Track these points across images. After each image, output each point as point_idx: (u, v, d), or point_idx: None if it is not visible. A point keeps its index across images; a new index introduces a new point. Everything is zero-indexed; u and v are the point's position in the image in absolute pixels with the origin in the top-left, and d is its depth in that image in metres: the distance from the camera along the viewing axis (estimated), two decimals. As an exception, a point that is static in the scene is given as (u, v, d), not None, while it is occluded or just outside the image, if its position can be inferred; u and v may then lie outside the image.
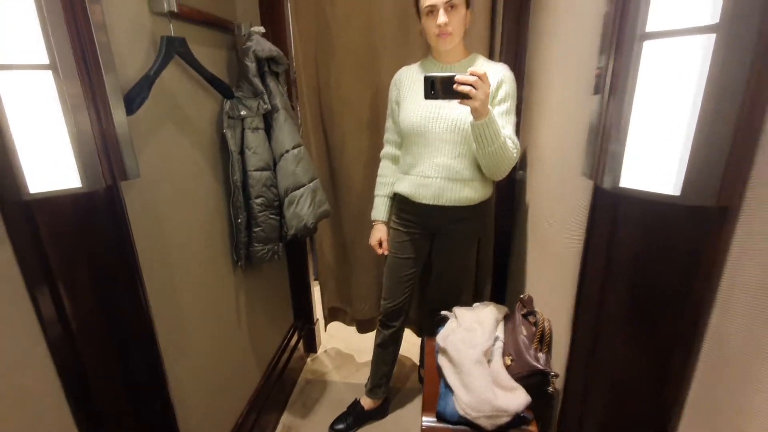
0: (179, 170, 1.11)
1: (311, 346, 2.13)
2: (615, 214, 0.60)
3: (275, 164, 1.42)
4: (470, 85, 1.05)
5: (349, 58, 1.65)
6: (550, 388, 1.08)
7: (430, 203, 1.37)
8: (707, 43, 0.44)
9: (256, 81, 1.30)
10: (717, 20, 0.43)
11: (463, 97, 1.07)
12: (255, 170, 1.33)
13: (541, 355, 1.14)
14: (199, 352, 1.21)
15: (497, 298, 1.76)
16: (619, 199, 0.59)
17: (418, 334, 1.97)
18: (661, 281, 0.58)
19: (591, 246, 0.64)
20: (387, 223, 1.54)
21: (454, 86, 1.06)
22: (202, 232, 1.22)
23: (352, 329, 2.10)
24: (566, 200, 1.00)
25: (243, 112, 1.30)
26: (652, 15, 0.47)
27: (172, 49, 1.02)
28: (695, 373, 0.56)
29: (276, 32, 1.61)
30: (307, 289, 2.03)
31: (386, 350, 1.64)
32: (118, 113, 0.77)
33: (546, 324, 1.18)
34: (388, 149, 1.51)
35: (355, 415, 1.69)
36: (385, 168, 1.52)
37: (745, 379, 0.48)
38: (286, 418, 1.73)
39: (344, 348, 2.16)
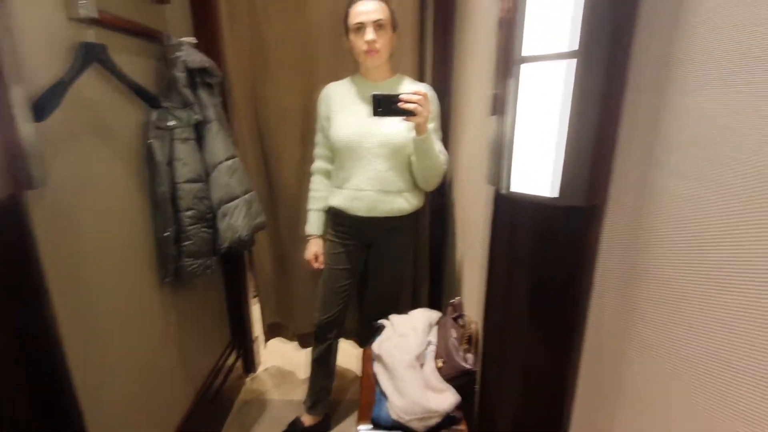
0: (99, 181, 1.06)
1: (250, 365, 2.06)
2: (513, 216, 0.67)
3: (208, 176, 1.39)
4: (415, 102, 1.14)
5: (284, 71, 1.68)
6: (477, 387, 1.14)
7: (365, 215, 1.41)
8: (570, 66, 0.52)
9: (186, 91, 1.28)
10: (576, 47, 0.51)
11: (408, 114, 1.16)
12: (185, 182, 1.30)
13: (469, 356, 1.21)
14: (121, 376, 1.14)
15: (434, 303, 1.83)
16: (516, 202, 0.66)
17: (361, 345, 1.98)
18: (553, 273, 0.66)
19: (495, 245, 0.71)
20: (322, 237, 1.56)
21: (400, 104, 1.15)
22: (125, 247, 1.16)
23: (294, 345, 2.07)
24: (480, 207, 1.09)
25: (172, 123, 1.27)
26: (527, 42, 0.55)
27: (91, 57, 0.98)
28: (582, 355, 0.63)
29: (209, 44, 1.60)
30: (245, 306, 1.97)
31: (323, 364, 1.63)
32: (23, 120, 0.73)
33: (473, 326, 1.25)
34: (319, 164, 1.53)
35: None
36: (316, 182, 1.54)
37: (618, 356, 0.55)
38: (221, 442, 1.65)
39: (285, 365, 2.12)
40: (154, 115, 1.23)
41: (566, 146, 0.54)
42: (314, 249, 1.55)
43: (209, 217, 1.39)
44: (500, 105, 0.62)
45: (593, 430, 0.61)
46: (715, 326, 0.39)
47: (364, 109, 1.36)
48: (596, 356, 0.60)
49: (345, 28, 1.36)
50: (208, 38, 1.59)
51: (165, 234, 1.28)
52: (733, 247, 0.37)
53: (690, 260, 0.42)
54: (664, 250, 0.46)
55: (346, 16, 1.33)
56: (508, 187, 0.61)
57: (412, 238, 1.56)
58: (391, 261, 1.53)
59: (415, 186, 1.44)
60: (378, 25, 1.28)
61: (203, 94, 1.36)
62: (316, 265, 1.56)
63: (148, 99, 1.22)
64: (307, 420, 1.67)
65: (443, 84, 1.58)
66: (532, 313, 0.70)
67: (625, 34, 0.50)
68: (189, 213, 1.31)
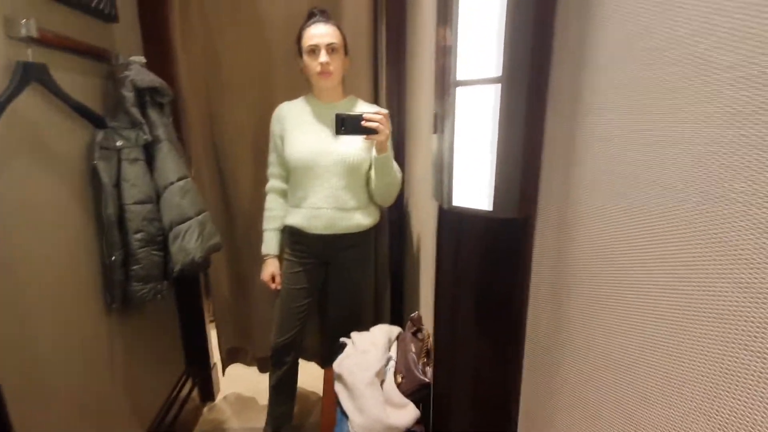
0: (39, 203, 1.01)
1: (208, 393, 1.97)
2: (456, 230, 0.71)
3: (159, 197, 1.35)
4: (377, 122, 1.20)
5: (239, 89, 1.68)
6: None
7: (324, 233, 1.42)
8: (497, 90, 0.57)
9: (134, 111, 1.26)
10: (500, 73, 0.56)
11: (371, 132, 1.21)
12: (133, 203, 1.26)
13: (428, 369, 1.22)
14: (62, 412, 1.06)
15: (396, 318, 1.84)
16: (458, 216, 0.70)
17: (323, 366, 1.95)
18: (494, 285, 0.69)
19: (441, 258, 0.74)
20: (278, 257, 1.55)
21: (362, 123, 1.21)
22: (67, 272, 1.11)
23: (254, 369, 2.00)
24: (430, 219, 1.13)
25: (119, 143, 1.23)
26: (461, 68, 0.59)
27: (30, 76, 0.95)
28: (524, 364, 0.66)
29: (161, 63, 1.58)
30: (201, 331, 1.90)
31: (282, 389, 1.59)
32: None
33: (431, 339, 1.27)
34: (274, 183, 1.53)
35: None
36: (271, 201, 1.53)
37: (553, 362, 0.58)
38: (174, 478, 1.56)
39: (245, 391, 2.04)
40: (100, 135, 1.19)
41: (496, 162, 0.58)
42: (271, 269, 1.53)
43: (160, 240, 1.34)
44: (440, 124, 0.66)
45: (538, 423, 0.64)
46: (626, 326, 0.43)
47: (319, 129, 1.39)
48: (534, 364, 0.63)
49: (298, 49, 1.39)
50: (159, 57, 1.57)
51: (112, 258, 1.22)
52: (636, 254, 0.41)
53: (601, 268, 0.46)
54: (582, 260, 0.50)
55: (300, 37, 1.37)
56: (450, 201, 0.64)
57: (371, 253, 1.57)
58: (350, 277, 1.53)
59: (370, 202, 1.48)
60: (331, 49, 1.32)
61: (153, 113, 1.34)
62: (273, 286, 1.54)
63: (93, 119, 1.19)
64: None
65: (397, 105, 1.63)
66: (478, 324, 0.73)
67: (543, 62, 0.55)
68: (138, 235, 1.27)
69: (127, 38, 1.46)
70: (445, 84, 0.63)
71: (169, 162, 1.35)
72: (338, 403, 1.26)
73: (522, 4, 0.53)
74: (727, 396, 0.31)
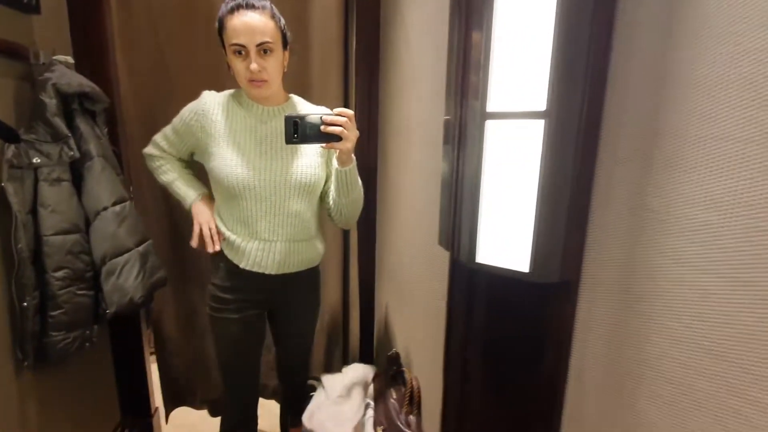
0: None
1: (147, 444, 1.70)
2: (471, 285, 0.59)
3: (88, 225, 1.12)
4: (340, 125, 0.94)
5: (190, 97, 1.46)
6: (423, 456, 1.03)
7: (274, 273, 1.12)
8: (539, 127, 0.46)
9: (57, 121, 1.03)
10: (546, 107, 0.45)
11: (332, 139, 0.95)
12: (54, 234, 1.02)
13: (411, 419, 1.09)
14: None
15: (365, 355, 1.69)
16: (474, 271, 0.58)
17: (284, 410, 1.73)
18: (515, 352, 0.58)
19: (452, 316, 0.61)
20: (204, 195, 1.19)
21: (322, 127, 0.94)
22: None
23: (203, 413, 1.76)
24: (425, 262, 1.00)
25: (36, 160, 1.00)
26: (493, 96, 0.47)
27: None
28: (557, 446, 0.55)
29: (95, 64, 1.34)
30: (140, 373, 1.63)
31: None
32: None
33: (414, 383, 1.14)
34: (157, 153, 1.19)
35: None
36: (158, 160, 1.19)
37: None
38: None
39: (193, 438, 1.79)
40: (10, 151, 0.96)
41: (538, 215, 0.47)
42: (205, 216, 1.13)
43: (89, 276, 1.11)
44: (454, 163, 0.54)
45: None
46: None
47: (258, 139, 1.09)
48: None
49: (220, 40, 1.05)
50: (92, 57, 1.33)
51: (23, 304, 0.98)
52: (744, 341, 0.31)
53: (700, 359, 0.36)
54: (666, 342, 0.40)
55: (221, 27, 1.02)
56: (472, 257, 0.52)
57: (320, 287, 1.31)
58: (304, 322, 1.29)
59: (320, 229, 1.23)
60: (264, 50, 1.00)
61: (83, 124, 1.11)
62: (212, 245, 1.11)
63: (1, 131, 0.95)
64: None
65: (370, 116, 1.50)
66: (495, 388, 0.61)
67: (597, 92, 0.45)
68: (59, 273, 1.03)
69: (50, 33, 1.21)
70: (467, 114, 0.51)
71: (102, 183, 1.12)
72: (309, 464, 1.09)
73: (576, 20, 0.42)
74: None
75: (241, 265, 1.11)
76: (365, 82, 1.50)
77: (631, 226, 0.43)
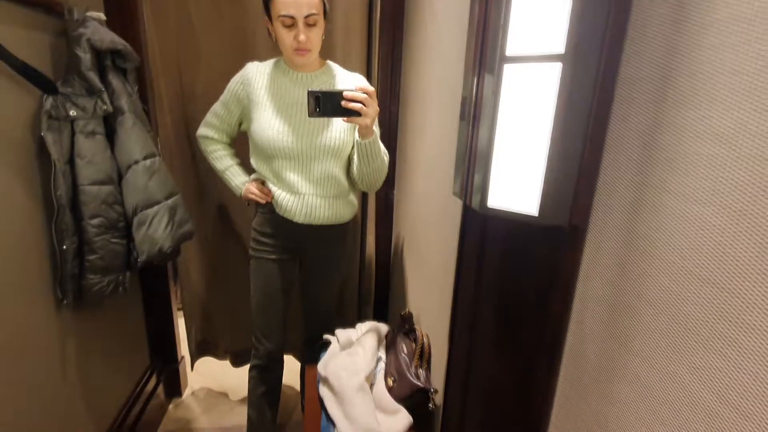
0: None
1: (174, 389, 1.83)
2: (483, 233, 0.61)
3: (120, 177, 1.18)
4: (360, 102, 1.00)
5: (217, 62, 1.50)
6: (431, 405, 1.08)
7: (302, 222, 1.24)
8: (555, 70, 0.46)
9: (92, 75, 1.07)
10: (563, 50, 0.45)
11: (352, 114, 1.01)
12: (90, 184, 1.09)
13: (421, 372, 1.14)
14: (5, 417, 0.91)
15: (379, 316, 1.75)
16: (486, 218, 0.60)
17: (300, 360, 1.84)
18: (523, 296, 0.60)
19: (463, 263, 0.64)
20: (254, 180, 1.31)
21: (342, 103, 1.00)
22: (9, 263, 0.94)
23: (225, 364, 1.87)
24: (440, 218, 1.03)
25: (73, 113, 1.05)
26: (511, 41, 0.48)
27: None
28: (558, 384, 0.58)
29: (126, 24, 1.38)
30: (168, 323, 1.74)
31: (272, 396, 1.45)
32: None
33: (425, 340, 1.19)
34: (209, 132, 1.29)
35: None
36: (212, 144, 1.30)
37: (600, 390, 0.50)
38: (137, 484, 1.43)
39: (216, 386, 1.91)
40: (48, 102, 1.01)
41: (549, 159, 0.49)
42: (252, 188, 1.26)
43: (122, 226, 1.18)
44: (472, 109, 0.56)
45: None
46: (723, 367, 0.35)
47: (293, 104, 1.18)
48: (575, 384, 0.55)
49: (266, 10, 1.12)
50: (123, 16, 1.37)
51: (63, 247, 1.06)
52: (757, 283, 0.33)
53: (697, 289, 0.38)
54: (659, 279, 0.41)
55: None
56: (484, 202, 0.54)
57: (349, 247, 1.42)
58: (330, 274, 1.39)
59: (351, 189, 1.31)
60: (310, 22, 1.08)
61: (115, 80, 1.16)
62: (265, 193, 1.25)
63: (40, 83, 1.00)
64: None
65: (392, 80, 1.50)
66: (501, 335, 0.64)
67: (616, 38, 0.45)
68: (95, 221, 1.10)
69: (83, -10, 1.25)
70: (485, 60, 0.52)
71: (133, 137, 1.18)
72: (323, 408, 1.16)
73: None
74: None
75: (277, 211, 1.24)
76: (388, 47, 1.49)
77: (641, 166, 0.43)
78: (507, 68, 0.49)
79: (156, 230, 1.19)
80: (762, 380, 0.32)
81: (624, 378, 0.46)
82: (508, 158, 0.52)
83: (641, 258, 0.44)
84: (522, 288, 0.60)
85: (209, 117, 1.30)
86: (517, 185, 0.52)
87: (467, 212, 0.61)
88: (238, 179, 1.30)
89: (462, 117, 0.60)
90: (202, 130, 1.31)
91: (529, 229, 0.56)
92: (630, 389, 0.45)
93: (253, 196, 1.26)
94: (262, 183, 1.26)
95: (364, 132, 1.09)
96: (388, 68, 1.51)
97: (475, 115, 0.55)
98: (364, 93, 1.00)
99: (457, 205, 0.75)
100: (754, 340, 0.33)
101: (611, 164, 0.48)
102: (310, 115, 1.00)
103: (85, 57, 1.07)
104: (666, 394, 0.41)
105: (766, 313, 0.32)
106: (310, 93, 0.99)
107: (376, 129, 1.23)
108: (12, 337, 0.95)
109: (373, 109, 1.03)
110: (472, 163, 0.56)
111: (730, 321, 0.35)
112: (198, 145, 1.34)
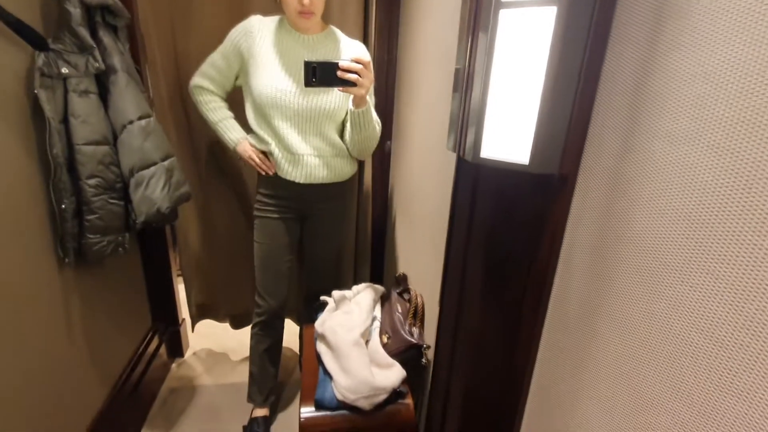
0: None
1: (176, 349, 1.88)
2: (475, 184, 0.62)
3: (116, 138, 1.18)
4: (355, 72, 1.01)
5: (212, 22, 1.46)
6: (424, 360, 1.13)
7: (301, 182, 1.27)
8: (550, 15, 0.46)
9: (83, 31, 1.05)
10: (558, -6, 0.45)
11: (347, 84, 1.03)
12: (85, 144, 1.09)
13: (415, 330, 1.18)
14: (8, 380, 0.95)
15: (376, 278, 1.79)
16: (478, 170, 0.61)
17: (298, 323, 1.89)
18: (512, 244, 0.62)
19: (455, 215, 0.66)
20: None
21: (338, 73, 1.01)
22: (10, 223, 0.95)
23: (225, 326, 1.92)
24: (433, 175, 1.04)
25: (65, 70, 1.04)
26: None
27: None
28: (543, 332, 0.61)
29: (114, -22, 1.33)
30: (169, 286, 1.78)
31: (274, 353, 1.50)
32: None
33: (419, 299, 1.23)
34: (203, 82, 1.27)
35: (265, 429, 1.50)
36: (207, 95, 1.28)
37: (585, 332, 0.53)
38: (144, 437, 1.50)
39: (216, 347, 1.97)
40: (41, 59, 1.00)
41: (541, 107, 0.49)
42: (249, 151, 1.26)
43: (119, 187, 1.19)
44: (466, 61, 0.56)
45: (553, 397, 0.60)
46: (699, 299, 0.38)
47: (292, 64, 1.19)
48: (560, 327, 0.58)
49: None
50: (111, -29, 1.32)
51: (62, 206, 1.06)
52: (735, 216, 0.34)
53: (678, 227, 0.40)
54: (643, 223, 0.43)
55: None
56: (477, 152, 0.55)
57: (351, 206, 1.47)
58: (329, 232, 1.43)
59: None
60: None
61: (105, 37, 1.13)
62: (264, 166, 1.26)
63: (32, 39, 0.98)
64: (262, 412, 1.53)
65: (388, 48, 1.48)
66: (490, 284, 0.67)
67: (611, -19, 0.45)
68: (92, 181, 1.11)
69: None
70: (481, 7, 0.52)
71: (127, 97, 1.17)
72: (320, 363, 1.21)
73: None
74: None
75: (278, 173, 1.26)
76: (385, 12, 1.46)
77: (631, 112, 0.44)
78: (502, 14, 0.49)
79: (153, 191, 1.20)
80: (736, 308, 0.34)
81: (606, 315, 0.49)
82: (501, 108, 0.52)
83: (627, 202, 0.45)
84: (511, 236, 0.62)
85: (206, 67, 1.27)
86: (509, 135, 0.52)
87: (461, 164, 0.63)
88: (233, 134, 1.29)
89: (455, 89, 0.60)
90: (198, 80, 1.28)
91: (519, 179, 0.57)
92: (611, 326, 0.48)
93: (253, 163, 1.27)
94: (264, 153, 1.27)
95: (359, 101, 1.12)
96: (386, 34, 1.48)
97: (470, 66, 0.55)
98: (359, 64, 1.02)
99: (451, 161, 0.76)
100: (729, 270, 0.35)
101: (602, 111, 0.49)
102: (307, 85, 1.02)
103: (75, 12, 1.04)
104: (646, 330, 0.44)
105: (741, 243, 0.34)
106: (306, 63, 1.00)
107: (370, 99, 1.26)
108: (16, 296, 0.97)
109: (368, 80, 1.05)
110: (466, 114, 0.57)
111: (708, 254, 0.37)
112: (191, 95, 1.31)
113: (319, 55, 1.21)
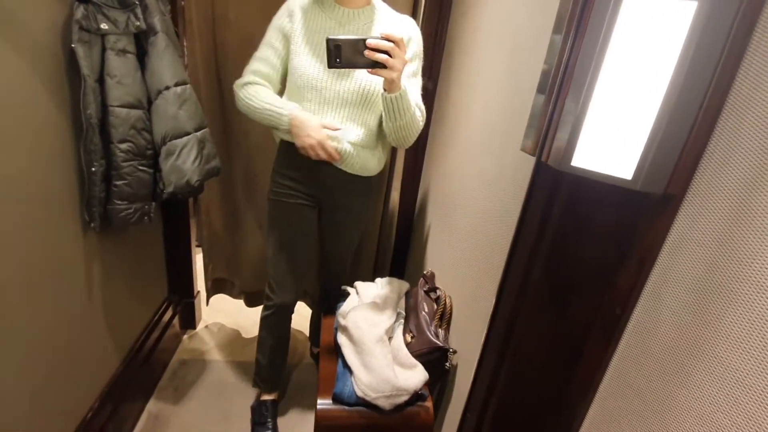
0: (-3, 92, 0.79)
1: (189, 321, 1.87)
2: (552, 193, 0.56)
3: (150, 103, 1.13)
4: (385, 52, 0.89)
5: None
6: (448, 364, 1.08)
7: (326, 166, 1.16)
8: (688, 11, 0.40)
9: (126, -15, 0.99)
10: (703, -13, 0.38)
11: (377, 66, 0.91)
12: (119, 106, 1.04)
13: (440, 332, 1.14)
14: (29, 337, 0.93)
15: (396, 273, 1.74)
16: (560, 178, 0.55)
17: (311, 307, 1.86)
18: (586, 266, 0.57)
19: (525, 222, 0.60)
20: None
21: (366, 53, 0.89)
22: (34, 182, 0.91)
23: (239, 303, 1.90)
24: (487, 175, 0.97)
25: (104, 26, 0.99)
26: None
27: None
28: (613, 359, 0.56)
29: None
30: (187, 258, 1.75)
31: (284, 340, 1.45)
32: None
33: (448, 301, 1.18)
34: (253, 79, 1.14)
35: (273, 415, 1.47)
36: (255, 87, 1.13)
37: (671, 373, 0.47)
38: (153, 406, 1.49)
39: (229, 323, 1.96)
40: (80, 11, 0.94)
41: (657, 118, 0.43)
42: (317, 128, 1.09)
43: (150, 154, 1.14)
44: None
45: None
46: None
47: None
48: (635, 365, 0.53)
49: None
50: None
51: (91, 169, 1.03)
52: None
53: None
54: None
55: None
56: (566, 161, 0.49)
57: (372, 202, 1.36)
58: (349, 228, 1.35)
59: (379, 143, 1.23)
60: None
61: (148, -5, 1.07)
62: (335, 156, 1.12)
63: (71, -13, 0.93)
64: (271, 396, 1.49)
65: (439, 26, 1.39)
66: (553, 303, 0.61)
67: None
68: (123, 146, 1.07)
69: None
70: (594, 1, 0.45)
71: (165, 61, 1.11)
72: (340, 356, 1.17)
73: None
74: None
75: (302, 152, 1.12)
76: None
77: (759, 140, 0.38)
78: (626, 6, 0.42)
79: (185, 162, 1.16)
80: None
81: (707, 361, 0.43)
82: (606, 115, 0.46)
83: (755, 236, 0.39)
84: (587, 255, 0.56)
85: (257, 65, 1.14)
86: (611, 145, 0.46)
87: (540, 169, 0.56)
88: (285, 105, 1.12)
89: (540, 89, 0.54)
90: (247, 77, 1.15)
91: (605, 189, 0.51)
92: (712, 374, 0.42)
93: (322, 152, 1.10)
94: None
95: (390, 85, 0.99)
96: (436, 13, 1.40)
97: (569, 65, 0.48)
98: (390, 41, 0.89)
99: (520, 164, 0.70)
100: None
101: (728, 130, 0.42)
102: (330, 66, 0.91)
103: (119, -36, 0.98)
104: (756, 380, 0.38)
105: None
106: (328, 41, 0.88)
107: (417, 80, 1.16)
108: (40, 255, 0.94)
109: (400, 61, 0.92)
110: (556, 118, 0.50)
111: None
112: (236, 100, 1.16)
113: (347, 31, 1.10)
